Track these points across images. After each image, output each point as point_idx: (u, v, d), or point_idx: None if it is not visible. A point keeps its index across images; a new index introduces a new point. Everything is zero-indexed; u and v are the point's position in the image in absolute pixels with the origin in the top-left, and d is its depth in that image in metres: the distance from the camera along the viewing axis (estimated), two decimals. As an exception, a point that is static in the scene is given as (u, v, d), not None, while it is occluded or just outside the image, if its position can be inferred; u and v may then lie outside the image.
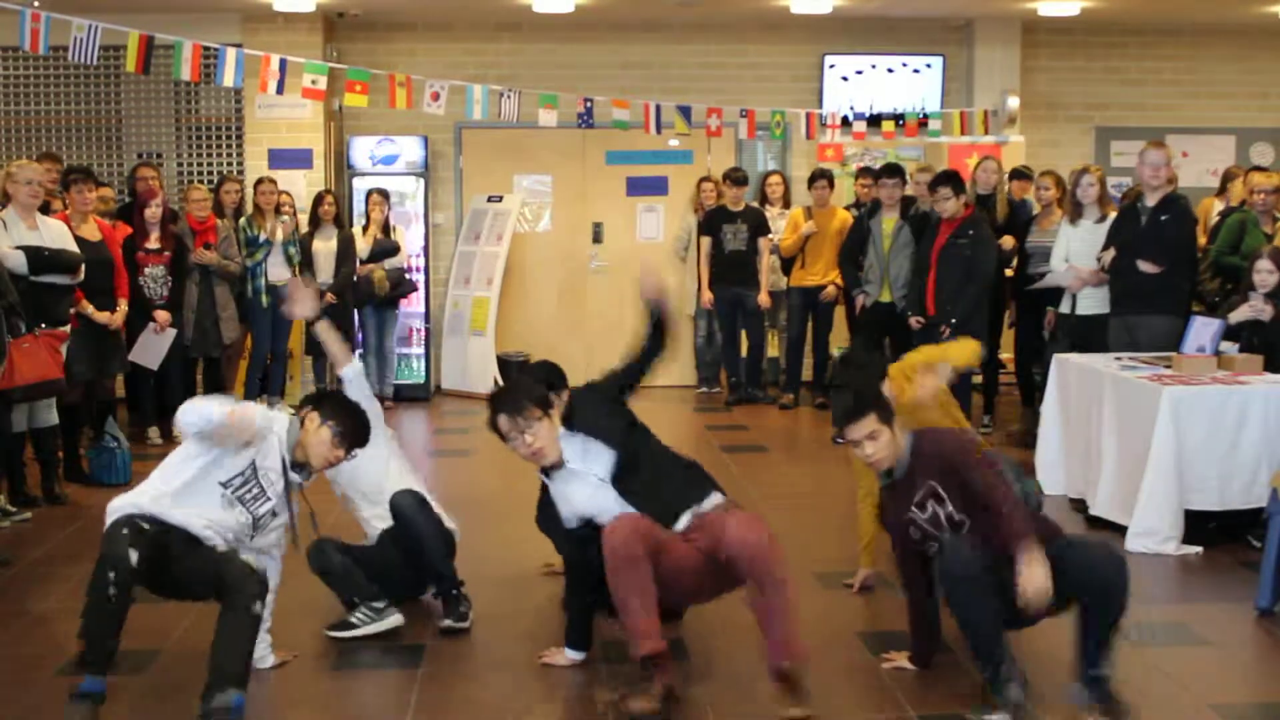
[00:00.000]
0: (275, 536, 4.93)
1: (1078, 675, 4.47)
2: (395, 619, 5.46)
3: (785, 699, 4.45)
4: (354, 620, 5.43)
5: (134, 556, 4.31)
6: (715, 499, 4.99)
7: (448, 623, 5.51)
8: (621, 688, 4.59)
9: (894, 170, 10.13)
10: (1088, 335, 8.32)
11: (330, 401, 5.00)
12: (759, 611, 4.57)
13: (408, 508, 5.53)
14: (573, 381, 5.74)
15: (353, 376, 5.65)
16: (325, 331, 5.61)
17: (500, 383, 11.90)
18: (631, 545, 4.49)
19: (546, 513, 5.35)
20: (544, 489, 5.33)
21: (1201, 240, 8.88)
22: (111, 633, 4.35)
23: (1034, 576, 4.32)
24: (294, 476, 4.84)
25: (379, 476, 5.67)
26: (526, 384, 5.00)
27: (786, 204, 11.82)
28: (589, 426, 4.97)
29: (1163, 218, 7.91)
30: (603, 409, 5.11)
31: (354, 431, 4.91)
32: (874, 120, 12.15)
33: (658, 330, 5.30)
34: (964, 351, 6.18)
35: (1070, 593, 4.47)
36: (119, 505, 4.58)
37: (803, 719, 4.38)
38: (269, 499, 4.78)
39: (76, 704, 4.32)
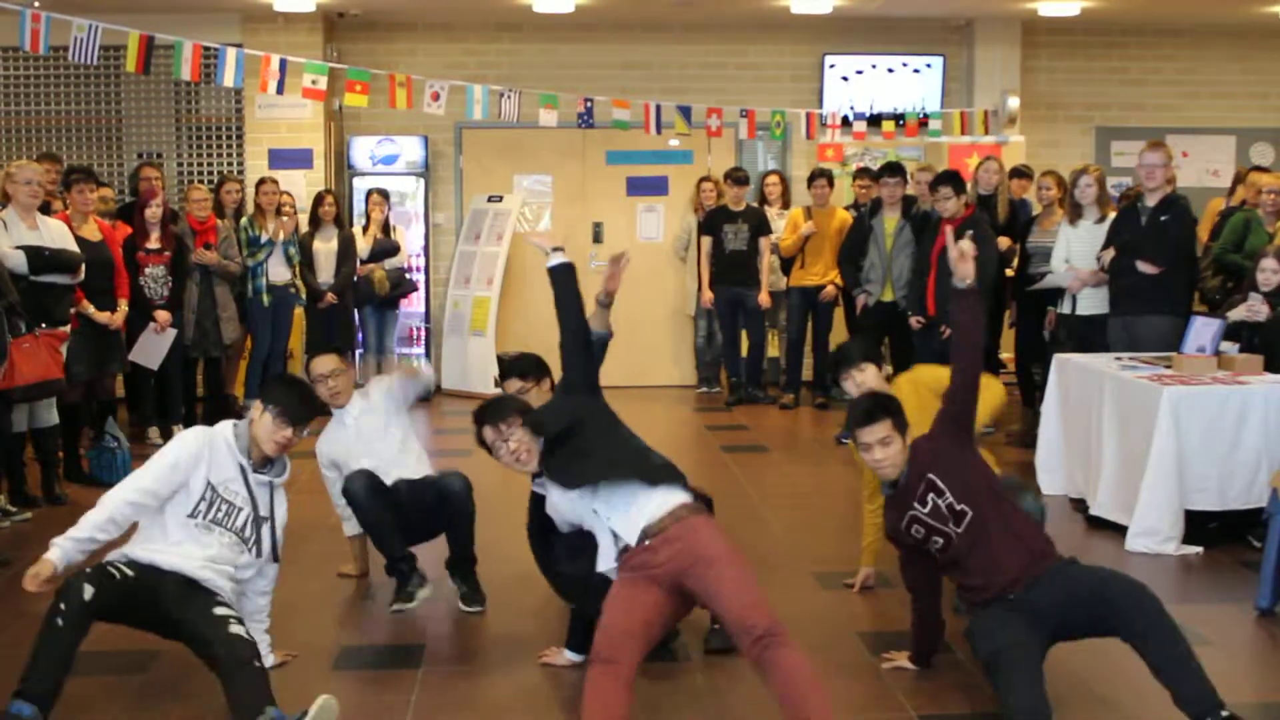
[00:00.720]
0: (270, 546, 4.91)
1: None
2: (429, 589, 5.70)
3: None
4: (411, 591, 5.61)
5: (88, 592, 4.33)
6: (667, 498, 4.50)
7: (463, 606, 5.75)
8: None
9: (895, 169, 10.13)
10: (1088, 335, 8.32)
11: (269, 387, 4.99)
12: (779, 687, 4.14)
13: (462, 489, 5.87)
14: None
15: (422, 386, 6.35)
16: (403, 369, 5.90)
17: (500, 383, 11.88)
18: (614, 651, 4.20)
19: (536, 533, 5.37)
20: (530, 508, 5.35)
21: (1204, 238, 8.90)
22: (54, 664, 4.31)
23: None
24: (258, 476, 4.83)
25: (393, 451, 5.98)
26: (508, 397, 5.01)
27: (785, 204, 11.82)
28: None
29: (1163, 218, 7.91)
30: (555, 401, 5.06)
31: (294, 407, 4.82)
32: (874, 120, 12.16)
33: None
34: (994, 399, 6.03)
35: (1101, 617, 4.45)
36: (74, 532, 4.55)
37: None
38: (240, 508, 4.77)
39: None
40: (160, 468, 4.67)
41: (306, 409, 4.92)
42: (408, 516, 5.83)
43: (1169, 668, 4.29)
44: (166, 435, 9.20)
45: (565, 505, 4.70)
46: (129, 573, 4.51)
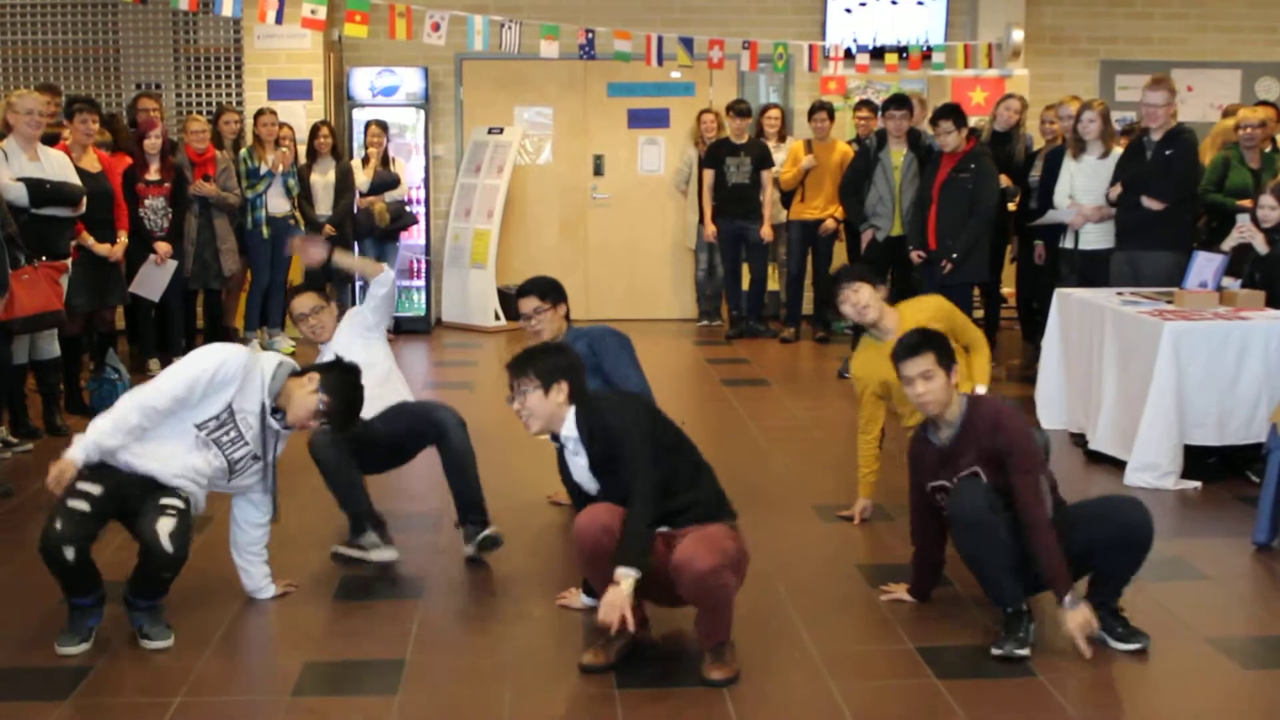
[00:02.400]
0: (255, 480, 4.92)
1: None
2: (394, 553, 5.53)
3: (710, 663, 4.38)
4: (364, 544, 5.52)
5: (70, 554, 4.42)
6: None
7: (469, 549, 5.64)
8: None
9: (901, 101, 9.98)
10: (1090, 271, 8.31)
11: (338, 376, 4.91)
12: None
13: (457, 428, 5.73)
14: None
15: (387, 284, 5.99)
16: (343, 259, 5.67)
17: (501, 316, 11.91)
18: (598, 538, 4.34)
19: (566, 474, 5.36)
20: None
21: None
22: (77, 582, 4.53)
23: (1080, 620, 4.42)
24: (273, 422, 4.84)
25: (378, 384, 5.72)
26: (546, 353, 4.80)
27: (782, 138, 11.75)
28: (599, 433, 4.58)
29: (1167, 152, 7.87)
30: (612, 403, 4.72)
31: (341, 415, 4.87)
32: (877, 53, 12.07)
33: None
34: (983, 371, 6.08)
35: (1094, 552, 4.54)
36: (98, 437, 4.61)
37: (725, 679, 4.34)
38: (246, 443, 4.77)
39: (77, 618, 4.59)
40: (197, 379, 4.67)
41: (350, 421, 4.97)
42: (379, 452, 5.79)
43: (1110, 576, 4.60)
44: (166, 366, 9.19)
45: (588, 483, 4.66)
46: (96, 492, 4.52)
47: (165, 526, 4.49)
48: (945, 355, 4.66)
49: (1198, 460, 6.69)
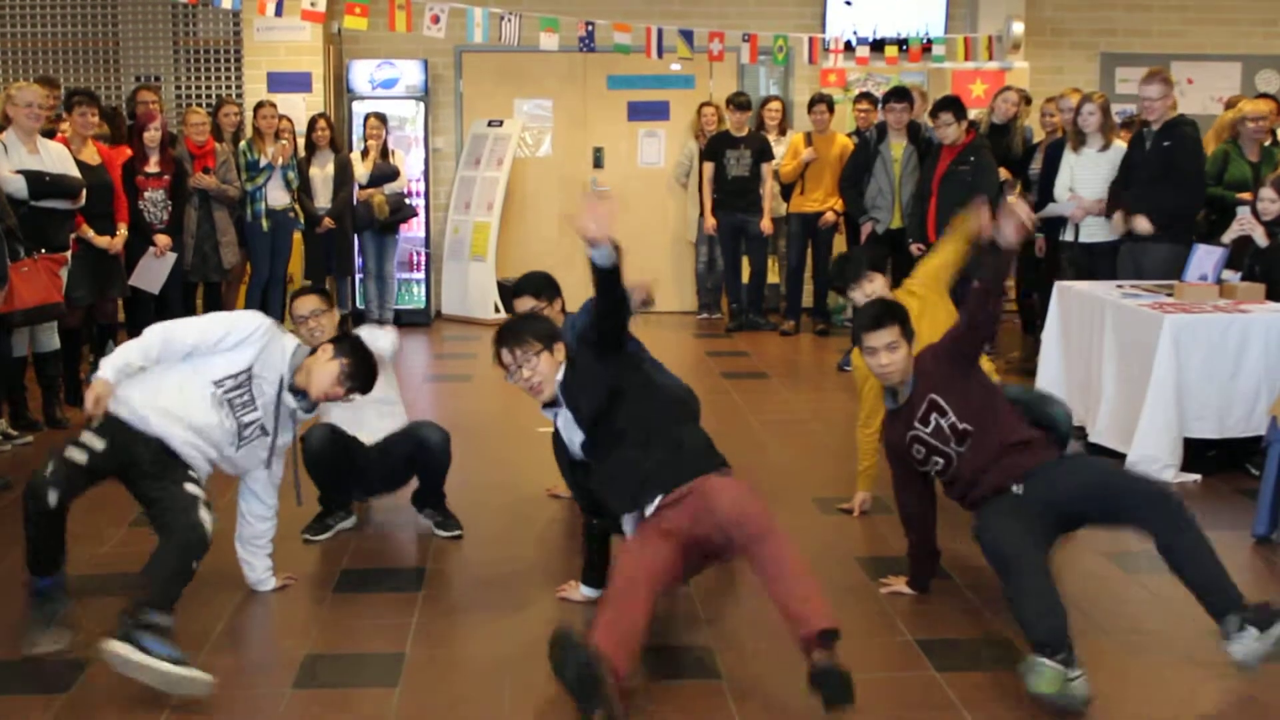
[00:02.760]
0: (258, 460, 4.93)
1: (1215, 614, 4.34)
2: (354, 519, 5.93)
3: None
4: (330, 523, 5.81)
5: (52, 497, 4.42)
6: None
7: (441, 532, 5.84)
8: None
9: (901, 94, 9.99)
10: (1089, 263, 8.31)
11: (350, 342, 5.00)
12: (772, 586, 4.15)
13: (440, 442, 5.78)
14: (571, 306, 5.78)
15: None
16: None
17: (501, 308, 11.92)
18: (635, 578, 4.19)
19: (562, 454, 5.36)
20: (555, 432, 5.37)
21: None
22: (45, 544, 4.57)
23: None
24: (290, 399, 4.85)
25: (372, 414, 5.85)
26: (532, 319, 4.92)
27: (783, 130, 11.75)
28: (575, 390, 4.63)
29: (1165, 143, 7.85)
30: (586, 362, 4.69)
31: (363, 375, 4.92)
32: (877, 45, 12.06)
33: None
34: (961, 235, 6.19)
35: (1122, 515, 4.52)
36: (127, 356, 4.69)
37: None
38: (256, 410, 4.79)
39: (39, 606, 4.63)
40: (224, 325, 4.77)
41: (368, 384, 4.99)
42: (373, 475, 5.88)
43: (1187, 565, 4.36)
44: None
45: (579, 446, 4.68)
46: (98, 447, 4.53)
47: (207, 517, 4.49)
48: (908, 328, 4.79)
49: (1197, 453, 6.70)
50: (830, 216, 11.03)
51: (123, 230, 8.35)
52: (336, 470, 5.71)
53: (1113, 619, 4.84)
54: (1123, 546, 5.35)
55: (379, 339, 5.79)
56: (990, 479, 4.61)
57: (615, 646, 3.95)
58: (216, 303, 10.26)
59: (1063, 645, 4.03)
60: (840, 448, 7.12)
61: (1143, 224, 7.83)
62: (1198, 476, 6.64)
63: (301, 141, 10.97)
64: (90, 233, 7.99)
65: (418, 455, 5.81)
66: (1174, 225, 7.84)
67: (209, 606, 4.90)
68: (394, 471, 5.92)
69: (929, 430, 4.71)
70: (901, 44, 12.04)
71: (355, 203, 11.08)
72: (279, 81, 11.82)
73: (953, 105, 8.97)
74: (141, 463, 4.60)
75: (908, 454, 4.83)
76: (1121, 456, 6.72)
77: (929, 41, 12.17)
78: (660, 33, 11.11)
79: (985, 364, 5.97)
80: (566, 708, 4.08)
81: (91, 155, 8.13)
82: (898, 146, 9.85)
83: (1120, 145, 8.49)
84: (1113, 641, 4.63)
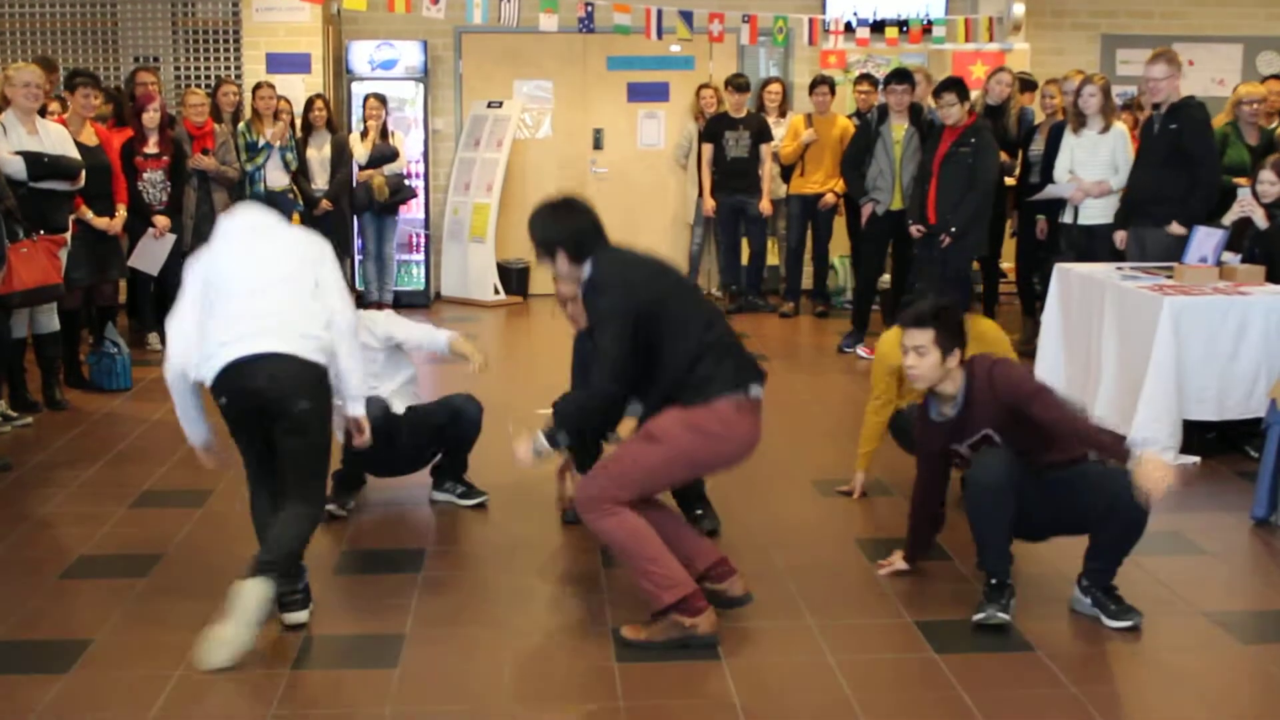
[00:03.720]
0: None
1: (1082, 584, 4.68)
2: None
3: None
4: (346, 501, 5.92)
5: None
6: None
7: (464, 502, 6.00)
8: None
9: (902, 76, 9.91)
10: (1089, 246, 8.30)
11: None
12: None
13: (475, 413, 5.97)
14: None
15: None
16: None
17: (500, 290, 11.93)
18: (601, 506, 4.38)
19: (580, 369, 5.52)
20: (575, 351, 5.57)
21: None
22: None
23: (1154, 472, 4.21)
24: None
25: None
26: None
27: (783, 113, 11.73)
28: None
29: (1172, 126, 7.80)
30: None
31: None
32: (877, 26, 12.03)
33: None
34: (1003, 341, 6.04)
35: (1088, 516, 4.58)
36: None
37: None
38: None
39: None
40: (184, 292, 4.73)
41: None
42: (400, 452, 5.89)
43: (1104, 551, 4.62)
44: (165, 340, 9.19)
45: None
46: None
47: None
48: (949, 337, 4.62)
49: (1197, 435, 6.70)
50: (830, 198, 11.01)
51: (122, 211, 8.34)
52: (376, 448, 5.63)
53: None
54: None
55: (438, 338, 6.05)
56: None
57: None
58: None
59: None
60: (839, 430, 7.12)
61: (1178, 228, 7.73)
62: (1197, 459, 6.64)
63: (299, 123, 10.94)
64: (89, 214, 7.99)
65: (450, 426, 5.92)
66: (1186, 210, 7.74)
67: (209, 586, 4.89)
68: (421, 448, 5.97)
69: (968, 449, 4.72)
70: (902, 25, 12.00)
71: (355, 184, 11.06)
72: (278, 62, 11.78)
73: (956, 86, 8.94)
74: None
75: (940, 459, 4.85)
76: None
77: (929, 23, 12.13)
78: (660, 14, 11.08)
79: (995, 333, 6.01)
80: (566, 690, 4.09)
81: (90, 137, 8.11)
82: (899, 128, 9.81)
83: (1120, 128, 8.47)
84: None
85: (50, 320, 7.75)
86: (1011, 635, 4.49)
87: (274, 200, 10.17)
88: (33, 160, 7.34)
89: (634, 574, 4.43)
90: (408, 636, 4.52)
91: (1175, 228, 7.66)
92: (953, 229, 8.65)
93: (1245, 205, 7.33)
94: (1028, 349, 8.80)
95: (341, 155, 10.89)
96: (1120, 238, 8.08)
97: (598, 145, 12.77)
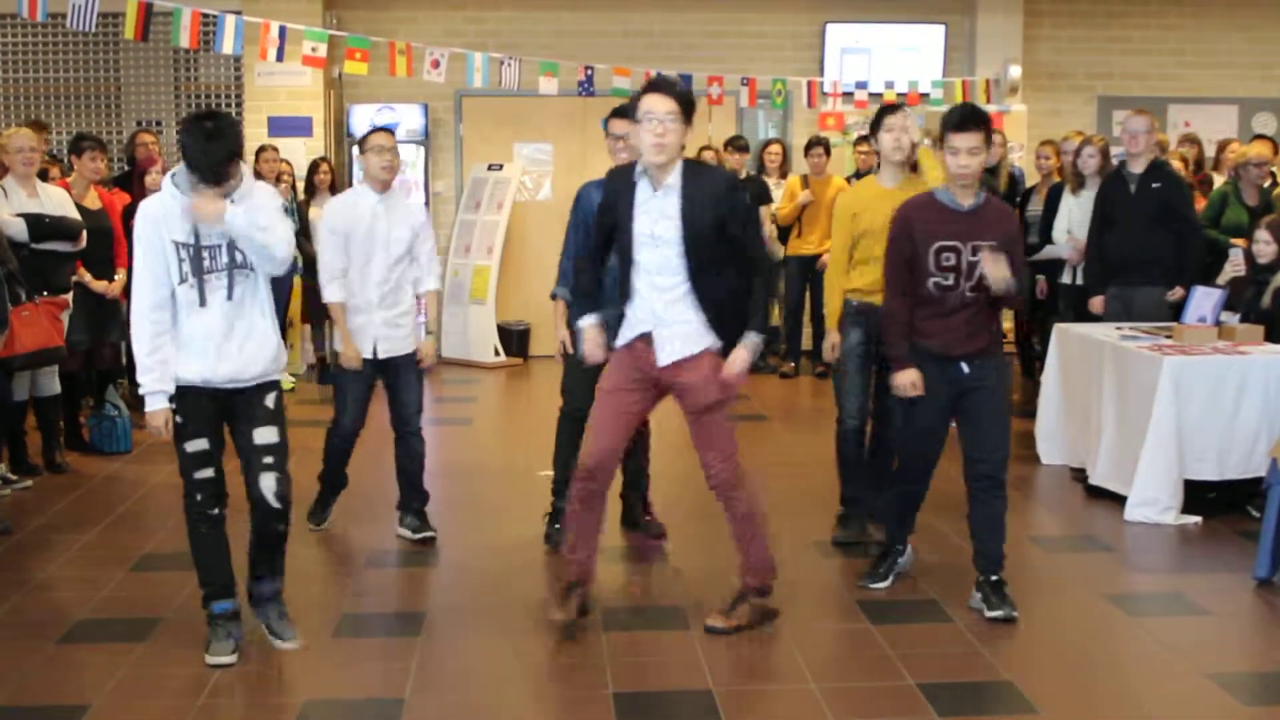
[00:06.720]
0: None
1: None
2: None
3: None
4: (327, 515, 6.48)
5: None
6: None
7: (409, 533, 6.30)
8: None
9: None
10: (1088, 306, 8.30)
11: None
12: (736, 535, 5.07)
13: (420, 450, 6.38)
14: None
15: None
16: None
17: (501, 352, 11.94)
18: (600, 470, 4.92)
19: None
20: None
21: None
22: (216, 561, 4.90)
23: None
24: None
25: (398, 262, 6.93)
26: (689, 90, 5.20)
27: (783, 175, 11.79)
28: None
29: (1154, 185, 7.80)
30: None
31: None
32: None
33: None
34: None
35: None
36: None
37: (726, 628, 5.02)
38: (218, 245, 4.66)
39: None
40: (140, 258, 4.66)
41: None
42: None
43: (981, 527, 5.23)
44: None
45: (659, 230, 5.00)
46: (217, 478, 4.82)
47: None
48: (989, 137, 5.08)
49: (1198, 495, 6.68)
50: (827, 258, 11.03)
51: (121, 275, 8.35)
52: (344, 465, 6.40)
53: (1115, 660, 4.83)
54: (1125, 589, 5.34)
55: (430, 283, 7.09)
56: (951, 344, 5.12)
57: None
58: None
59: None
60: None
61: (1177, 291, 7.75)
62: (1198, 519, 6.62)
63: (301, 185, 11.00)
64: (88, 276, 7.99)
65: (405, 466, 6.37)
66: (1182, 273, 7.75)
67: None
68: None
69: (968, 252, 5.02)
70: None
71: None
72: (280, 126, 11.87)
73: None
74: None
75: (929, 254, 5.07)
76: (1122, 499, 6.71)
77: (926, 93, 12.20)
78: (660, 76, 11.14)
79: (929, 159, 6.35)
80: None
81: (93, 200, 8.15)
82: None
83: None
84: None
85: (51, 383, 7.75)
86: (1014, 698, 4.46)
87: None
88: (34, 221, 7.37)
89: (764, 542, 5.04)
90: (407, 702, 4.49)
91: (1178, 293, 7.66)
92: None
93: (1237, 266, 7.36)
94: (1027, 409, 8.80)
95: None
96: (1097, 303, 8.01)
97: (598, 207, 12.80)
